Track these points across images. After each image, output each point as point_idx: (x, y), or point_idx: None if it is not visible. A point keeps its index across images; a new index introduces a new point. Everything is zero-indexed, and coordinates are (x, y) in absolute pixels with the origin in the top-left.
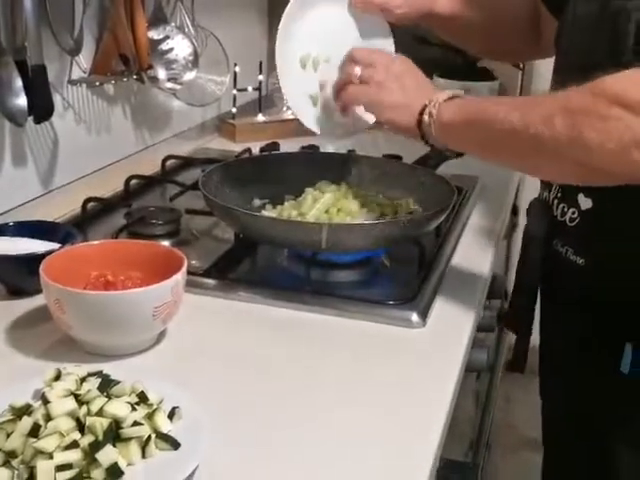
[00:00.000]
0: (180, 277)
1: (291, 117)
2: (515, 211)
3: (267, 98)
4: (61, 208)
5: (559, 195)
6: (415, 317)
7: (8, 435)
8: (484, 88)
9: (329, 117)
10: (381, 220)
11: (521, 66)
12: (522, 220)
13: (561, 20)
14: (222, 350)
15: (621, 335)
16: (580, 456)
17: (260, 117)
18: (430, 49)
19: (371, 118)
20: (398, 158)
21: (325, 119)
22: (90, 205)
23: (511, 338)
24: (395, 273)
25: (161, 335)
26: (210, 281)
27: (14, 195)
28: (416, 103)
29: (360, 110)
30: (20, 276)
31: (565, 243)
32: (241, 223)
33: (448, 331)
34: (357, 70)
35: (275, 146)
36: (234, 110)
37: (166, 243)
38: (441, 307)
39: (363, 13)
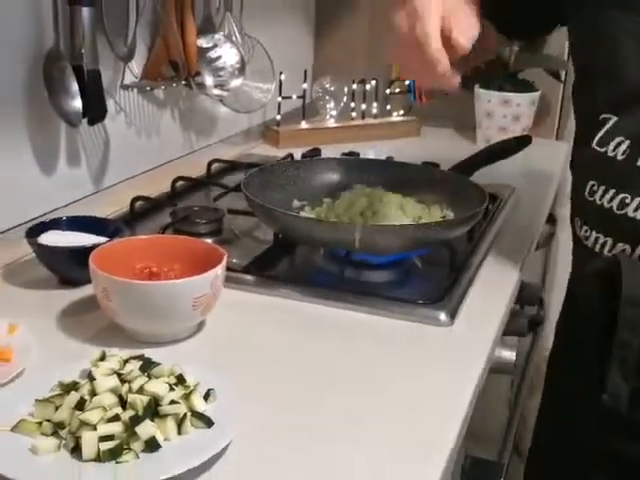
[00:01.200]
0: (219, 271)
1: (333, 125)
2: (553, 221)
3: (310, 106)
4: (111, 206)
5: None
6: (443, 316)
7: (57, 408)
8: (525, 99)
9: None
10: (412, 223)
11: (562, 78)
12: (559, 230)
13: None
14: (257, 342)
15: None
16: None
17: (303, 124)
18: None
19: None
20: (436, 165)
21: None
22: (138, 204)
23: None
24: (427, 275)
25: (201, 326)
26: (249, 277)
27: (68, 192)
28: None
29: None
30: (70, 267)
31: None
32: (280, 223)
33: (474, 331)
34: None
35: (317, 152)
36: (278, 117)
37: (209, 241)
38: (469, 308)
39: None
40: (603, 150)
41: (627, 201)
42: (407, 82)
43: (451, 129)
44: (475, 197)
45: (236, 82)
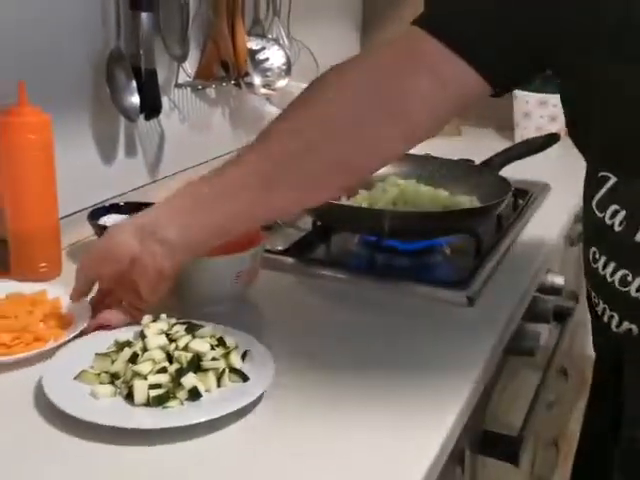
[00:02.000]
0: (259, 249)
1: None
2: None
3: None
4: (165, 195)
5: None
6: (464, 299)
7: (113, 361)
8: None
9: None
10: (437, 210)
11: None
12: None
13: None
14: (293, 315)
15: None
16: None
17: None
18: None
19: None
20: (470, 162)
21: None
22: None
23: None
24: (454, 261)
25: (244, 300)
26: (288, 259)
27: (126, 181)
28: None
29: None
30: None
31: None
32: (315, 209)
33: (492, 313)
34: None
35: None
36: None
37: None
38: (490, 292)
39: None
40: (601, 216)
41: (629, 279)
42: None
43: (490, 129)
44: (501, 189)
45: (282, 82)
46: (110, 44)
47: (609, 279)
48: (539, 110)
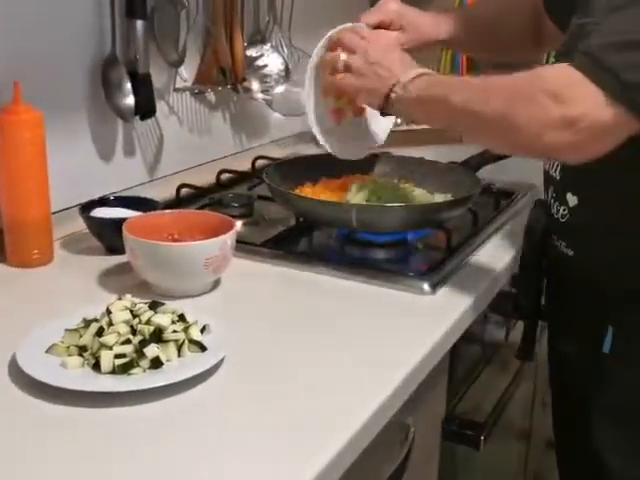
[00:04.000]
0: (228, 237)
1: None
2: None
3: None
4: (160, 192)
5: (554, 195)
6: (426, 286)
7: (81, 336)
8: None
9: (346, 139)
10: (403, 204)
11: None
12: None
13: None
14: (262, 301)
15: (603, 319)
16: (564, 435)
17: None
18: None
19: (380, 137)
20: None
21: (343, 141)
22: (183, 190)
23: None
24: (424, 255)
25: (216, 286)
26: (265, 250)
27: (123, 179)
28: (385, 85)
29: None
30: (114, 236)
31: (559, 237)
32: (289, 203)
33: (451, 301)
34: (342, 56)
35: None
36: None
37: (239, 223)
38: (455, 284)
39: None
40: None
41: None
42: None
43: None
44: (472, 186)
45: (280, 88)
46: (106, 49)
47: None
48: None
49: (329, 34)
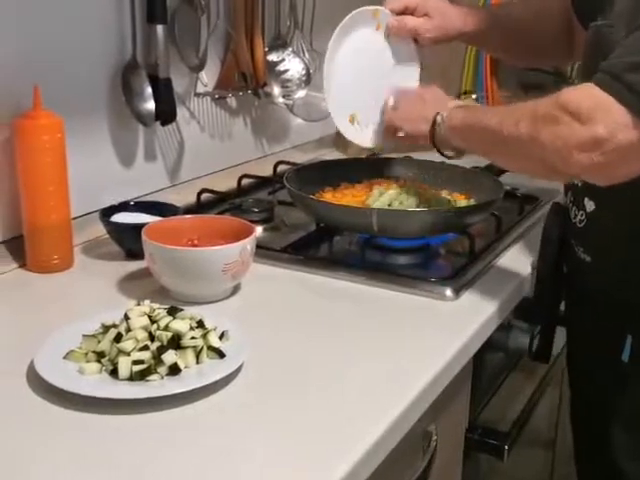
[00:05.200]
0: (247, 242)
1: None
2: None
3: None
4: (182, 197)
5: (572, 199)
6: (449, 292)
7: (99, 342)
8: None
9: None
10: (424, 209)
11: None
12: None
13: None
14: (282, 307)
15: (622, 328)
16: (582, 439)
17: None
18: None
19: None
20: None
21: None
22: (204, 195)
23: None
24: (447, 260)
25: (235, 291)
26: (285, 255)
27: (143, 185)
28: (431, 113)
29: None
30: (134, 241)
31: (577, 242)
32: (309, 208)
33: (475, 309)
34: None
35: (375, 156)
36: None
37: (259, 228)
38: (478, 290)
39: (397, 38)
40: None
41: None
42: (474, 96)
43: None
44: (495, 191)
45: (301, 93)
46: (127, 54)
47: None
48: None
49: (342, 23)
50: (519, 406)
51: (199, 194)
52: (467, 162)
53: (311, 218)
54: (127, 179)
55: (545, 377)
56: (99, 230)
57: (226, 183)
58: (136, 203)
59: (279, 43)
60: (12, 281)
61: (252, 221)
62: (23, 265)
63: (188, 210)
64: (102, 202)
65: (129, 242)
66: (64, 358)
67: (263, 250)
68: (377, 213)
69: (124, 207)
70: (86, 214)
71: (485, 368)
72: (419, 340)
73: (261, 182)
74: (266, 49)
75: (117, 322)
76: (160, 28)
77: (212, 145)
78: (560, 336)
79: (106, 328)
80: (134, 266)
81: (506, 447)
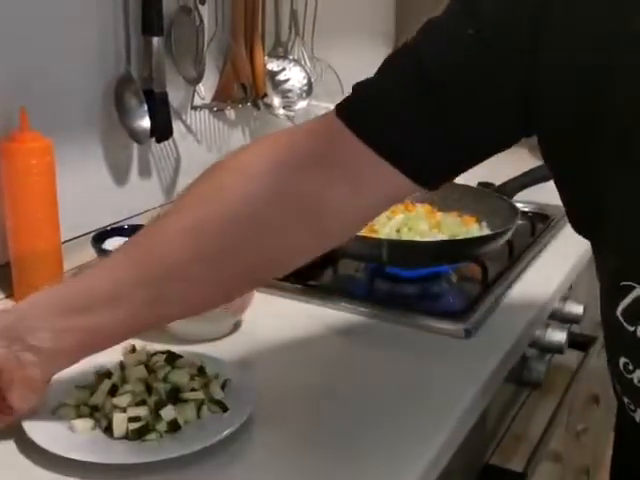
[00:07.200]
0: None
1: None
2: None
3: None
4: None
5: None
6: (462, 331)
7: (93, 393)
8: None
9: None
10: (436, 240)
11: None
12: None
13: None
14: (285, 346)
15: None
16: None
17: None
18: None
19: None
20: (488, 185)
21: None
22: None
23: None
24: (458, 290)
25: (236, 327)
26: (288, 285)
27: (138, 203)
28: None
29: None
30: None
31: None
32: None
33: (492, 345)
34: None
35: None
36: None
37: None
38: (493, 323)
39: None
40: (632, 329)
41: None
42: None
43: (526, 149)
44: (509, 216)
45: (302, 103)
46: (120, 68)
47: None
48: None
49: None
50: (533, 441)
51: None
52: (474, 177)
53: None
54: (120, 198)
55: (556, 410)
56: (91, 254)
57: None
58: (130, 227)
59: (279, 52)
60: None
61: None
62: (10, 295)
63: None
64: (94, 223)
65: None
66: (53, 413)
67: None
68: (387, 244)
69: (118, 231)
70: (78, 237)
71: (495, 403)
72: (431, 384)
73: None
74: (265, 58)
75: (111, 369)
76: (156, 40)
77: (209, 160)
78: (572, 359)
79: (100, 377)
80: None
81: None
